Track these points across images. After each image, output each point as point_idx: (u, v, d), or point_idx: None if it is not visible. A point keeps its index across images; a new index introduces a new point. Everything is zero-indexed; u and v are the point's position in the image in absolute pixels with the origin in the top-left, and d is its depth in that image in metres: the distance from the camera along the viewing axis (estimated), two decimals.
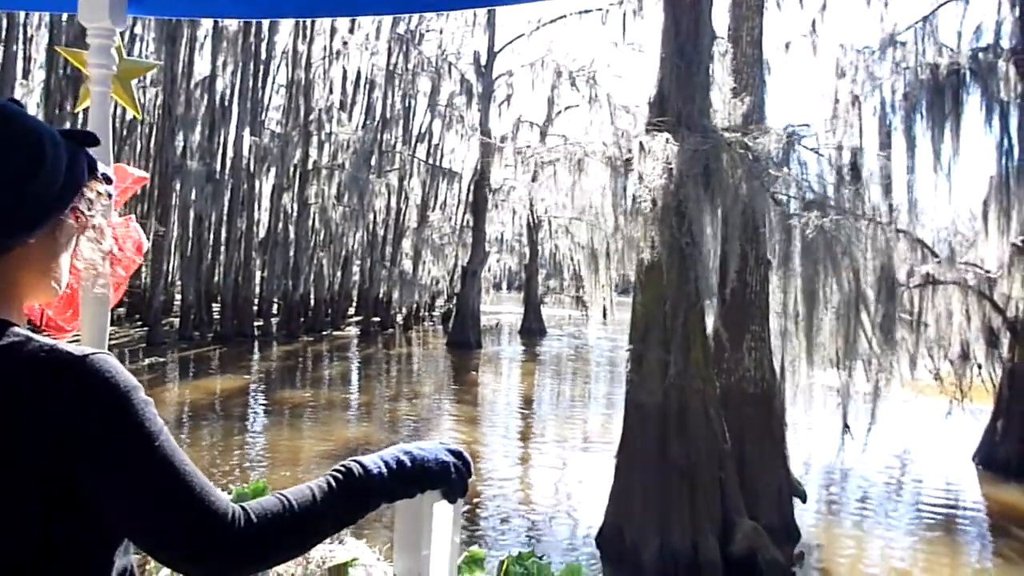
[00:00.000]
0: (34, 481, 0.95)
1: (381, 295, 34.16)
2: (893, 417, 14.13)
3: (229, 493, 1.93)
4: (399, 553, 1.28)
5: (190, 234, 28.43)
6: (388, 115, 33.19)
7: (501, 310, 42.07)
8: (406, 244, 34.04)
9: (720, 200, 8.67)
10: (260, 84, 29.28)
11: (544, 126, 34.97)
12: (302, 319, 30.38)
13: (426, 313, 38.44)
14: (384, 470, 1.15)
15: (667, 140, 8.65)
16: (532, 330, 34.26)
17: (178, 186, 26.80)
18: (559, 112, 34.61)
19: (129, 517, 0.99)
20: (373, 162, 31.67)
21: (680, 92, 8.91)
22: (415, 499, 1.21)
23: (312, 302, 31.71)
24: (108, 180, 1.15)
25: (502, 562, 1.91)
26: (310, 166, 29.74)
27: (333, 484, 1.11)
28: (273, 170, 30.63)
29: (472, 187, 30.58)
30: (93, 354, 0.99)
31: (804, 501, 10.04)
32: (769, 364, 9.85)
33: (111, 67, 1.96)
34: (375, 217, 32.47)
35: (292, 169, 30.01)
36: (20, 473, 0.94)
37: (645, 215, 8.72)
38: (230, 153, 28.18)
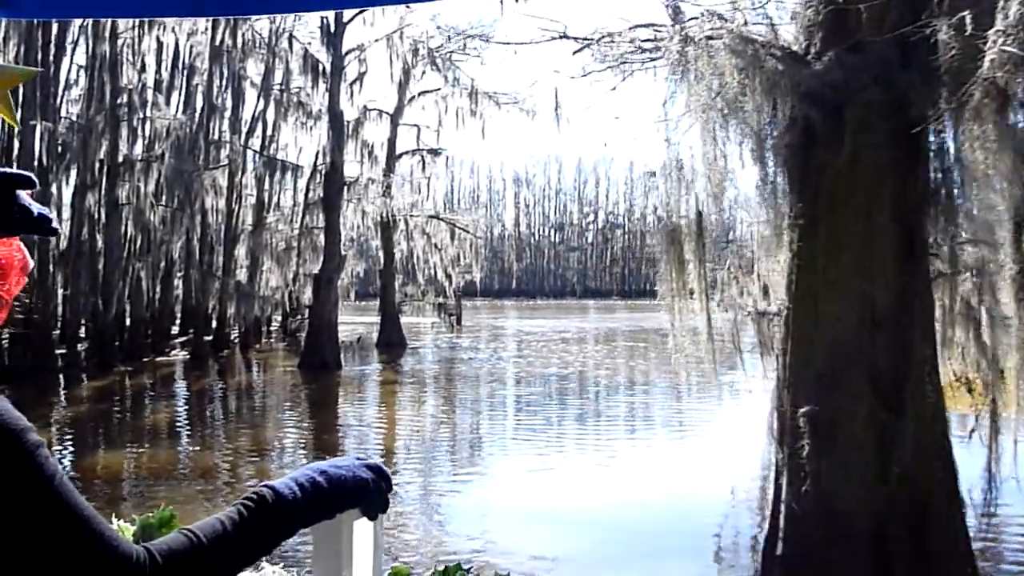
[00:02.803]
0: None
1: (212, 310, 29.82)
2: None
3: (133, 523, 1.78)
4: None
5: None
6: (214, 99, 28.85)
7: (349, 321, 38.37)
8: (241, 250, 29.83)
9: None
10: (52, 59, 24.39)
11: (396, 113, 31.82)
12: (117, 343, 25.65)
13: (265, 328, 34.18)
14: (299, 493, 1.12)
15: None
16: (392, 343, 30.95)
17: None
18: (412, 97, 31.56)
19: (28, 568, 0.93)
20: (198, 156, 27.40)
21: None
22: (333, 519, 1.19)
23: (128, 322, 26.98)
24: None
25: None
26: (120, 159, 25.11)
27: (245, 513, 1.08)
28: (74, 166, 25.83)
29: (323, 181, 26.88)
30: None
31: None
32: None
33: None
34: (203, 219, 28.07)
35: (97, 164, 25.27)
36: None
37: None
38: (14, 146, 23.26)
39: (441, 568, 1.86)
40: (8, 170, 1.12)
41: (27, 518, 0.92)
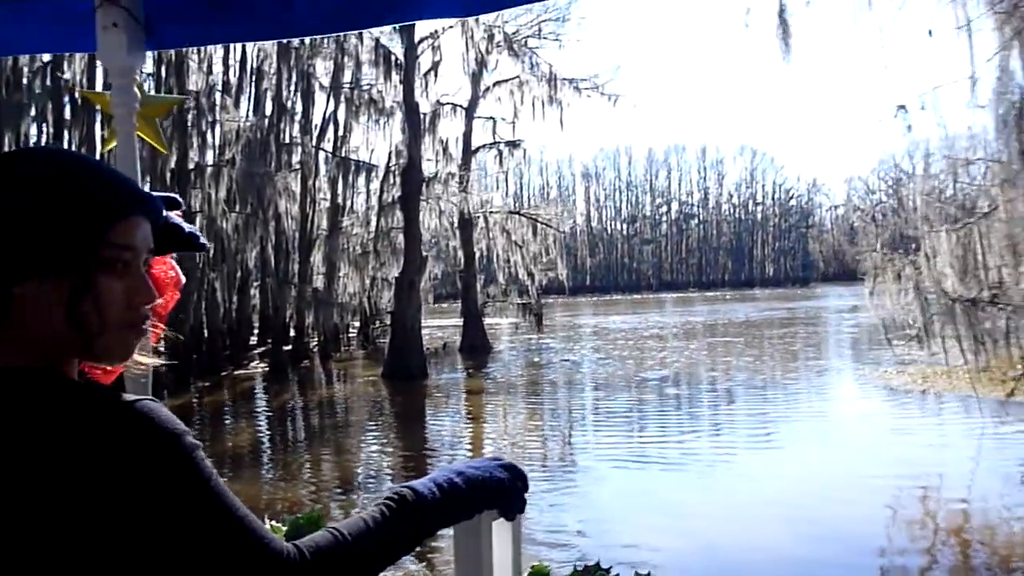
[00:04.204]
0: (81, 536, 0.92)
1: (289, 319, 28.55)
2: None
3: (283, 524, 1.93)
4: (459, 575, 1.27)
5: None
6: (283, 100, 27.49)
7: (428, 325, 36.82)
8: (316, 256, 28.44)
9: None
10: None
11: (470, 106, 30.09)
12: (195, 356, 24.49)
13: (344, 336, 32.80)
14: (437, 493, 1.15)
15: None
16: (475, 347, 29.21)
17: None
18: (487, 88, 29.78)
19: (186, 566, 0.97)
20: (270, 160, 26.07)
21: None
22: (472, 519, 1.20)
23: (205, 335, 25.83)
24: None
25: None
26: (191, 166, 23.91)
27: (387, 512, 1.12)
28: (147, 176, 24.68)
29: (400, 179, 25.24)
30: (139, 400, 0.98)
31: None
32: None
33: (135, 105, 2.13)
34: (277, 225, 26.72)
35: (168, 173, 24.16)
36: (65, 528, 0.91)
37: None
38: (81, 148, 22.22)
39: (581, 568, 1.92)
40: (160, 193, 1.22)
41: (186, 517, 0.96)
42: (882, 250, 12.34)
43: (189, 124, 24.47)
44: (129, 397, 0.99)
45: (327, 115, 29.93)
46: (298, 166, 27.08)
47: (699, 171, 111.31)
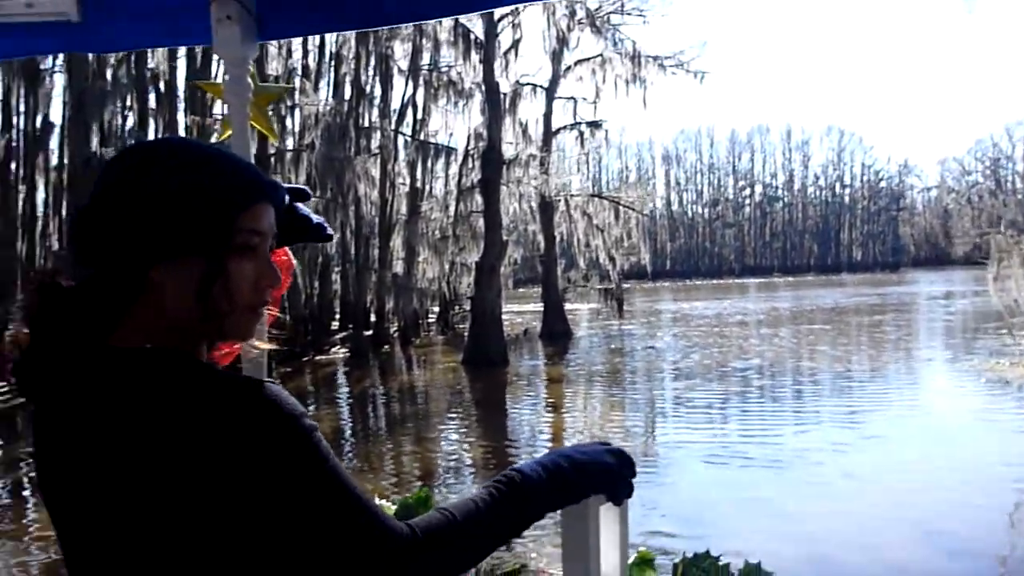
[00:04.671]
0: (206, 512, 0.97)
1: (370, 304, 28.41)
2: None
3: (394, 503, 2.03)
4: (567, 558, 1.28)
5: None
6: (362, 83, 27.22)
7: (508, 310, 36.30)
8: (396, 241, 28.16)
9: None
10: (200, 51, 23.38)
11: (551, 86, 29.32)
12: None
13: (423, 321, 32.55)
14: (545, 477, 1.15)
15: None
16: (556, 333, 28.56)
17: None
18: (568, 68, 28.95)
19: (309, 548, 1.01)
20: (349, 145, 25.84)
21: None
22: (580, 504, 1.22)
23: (288, 320, 25.85)
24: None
25: (676, 564, 1.95)
26: (270, 149, 23.83)
27: (496, 494, 1.12)
28: None
29: (480, 161, 24.70)
30: (264, 382, 1.02)
31: None
32: None
33: (248, 95, 2.22)
34: (357, 210, 26.50)
35: (252, 157, 24.17)
36: (191, 504, 0.97)
37: None
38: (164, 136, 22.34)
39: (690, 555, 1.98)
40: (289, 185, 1.24)
41: (305, 494, 0.99)
42: (1006, 232, 11.22)
43: (269, 109, 24.38)
44: (254, 379, 1.03)
45: (406, 98, 29.62)
46: (377, 150, 26.80)
47: (784, 152, 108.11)
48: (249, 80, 2.30)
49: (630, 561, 1.79)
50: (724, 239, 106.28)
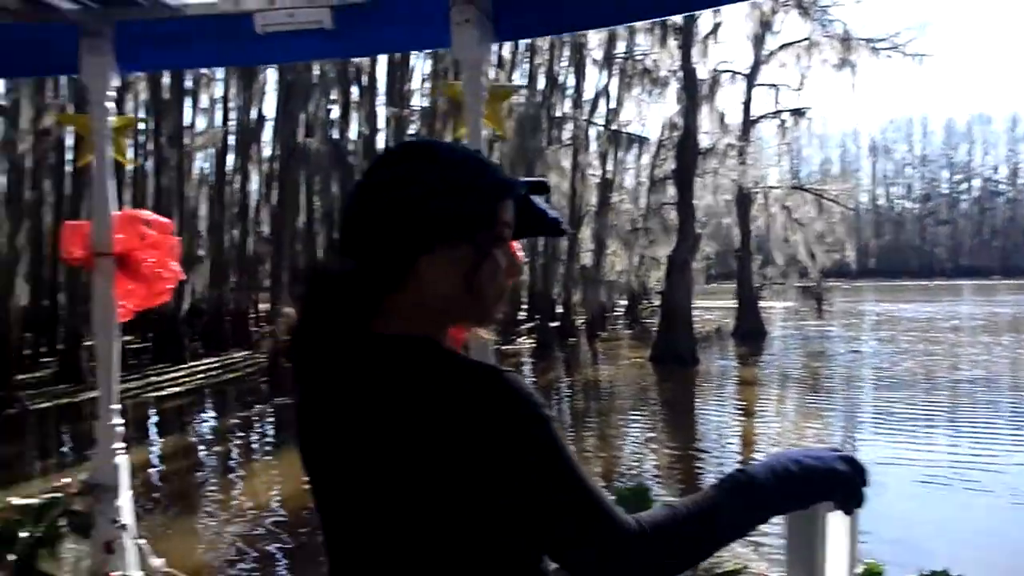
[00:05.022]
0: (448, 492, 1.06)
1: (557, 296, 28.68)
2: None
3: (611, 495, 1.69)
4: (791, 564, 1.27)
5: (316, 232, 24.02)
6: (555, 73, 27.46)
7: (700, 306, 35.47)
8: (585, 232, 28.25)
9: None
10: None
11: (751, 72, 28.33)
12: None
13: (610, 315, 32.45)
14: (774, 480, 1.15)
15: None
16: (750, 332, 27.64)
17: (302, 174, 22.48)
18: (771, 53, 27.84)
19: (540, 531, 1.07)
20: (541, 135, 26.15)
21: None
22: (807, 510, 1.21)
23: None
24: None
25: None
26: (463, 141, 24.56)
27: (723, 495, 1.13)
28: None
29: (675, 151, 24.29)
30: (504, 370, 1.09)
31: None
32: None
33: (483, 94, 2.44)
34: (547, 201, 26.70)
35: None
36: (434, 484, 1.06)
37: None
38: (363, 128, 23.53)
39: (927, 572, 1.91)
40: (527, 178, 1.32)
41: (539, 480, 1.06)
42: None
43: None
44: (496, 367, 1.11)
45: (599, 88, 29.58)
46: (569, 141, 26.97)
47: (1008, 143, 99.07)
48: (484, 80, 2.44)
49: (857, 572, 1.72)
50: (936, 237, 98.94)
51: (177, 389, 18.60)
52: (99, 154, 2.57)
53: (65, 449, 14.00)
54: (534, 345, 25.91)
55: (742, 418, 15.52)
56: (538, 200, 1.32)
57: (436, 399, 1.08)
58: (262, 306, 29.55)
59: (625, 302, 32.84)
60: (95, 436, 2.75)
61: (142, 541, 2.60)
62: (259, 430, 15.74)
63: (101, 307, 2.62)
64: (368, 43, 2.98)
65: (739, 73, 27.89)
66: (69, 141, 22.34)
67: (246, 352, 25.36)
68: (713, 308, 34.76)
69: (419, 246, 1.14)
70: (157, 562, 2.62)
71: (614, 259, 28.08)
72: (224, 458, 13.21)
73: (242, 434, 15.14)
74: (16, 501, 2.48)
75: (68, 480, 2.57)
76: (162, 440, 14.16)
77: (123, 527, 2.55)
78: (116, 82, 2.62)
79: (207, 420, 16.43)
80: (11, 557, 2.48)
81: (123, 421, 2.72)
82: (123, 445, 2.65)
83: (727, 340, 27.69)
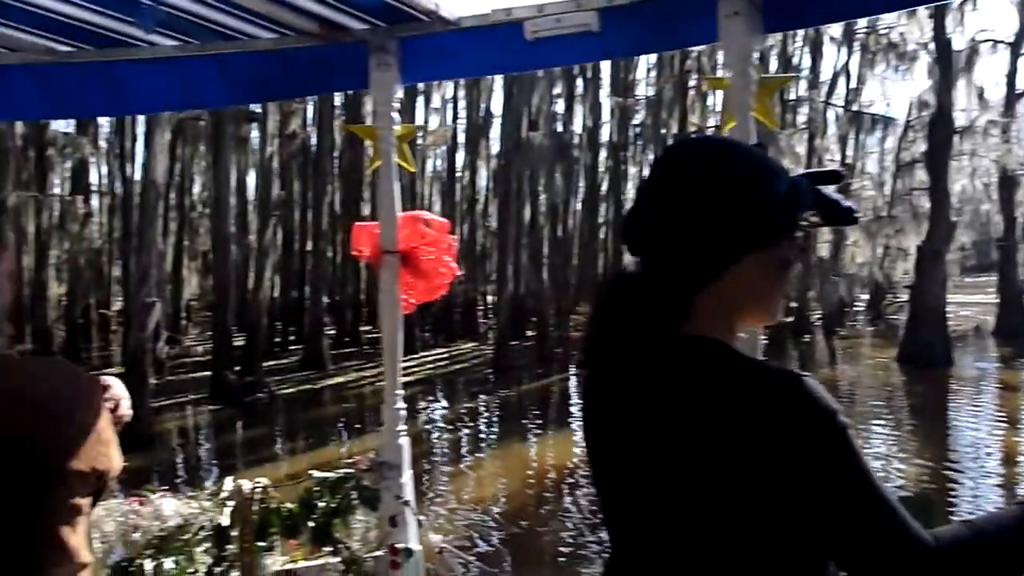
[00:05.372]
0: (743, 495, 1.09)
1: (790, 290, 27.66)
2: None
3: None
4: None
5: (542, 227, 24.54)
6: (788, 54, 26.45)
7: (954, 301, 32.83)
8: None
9: None
10: None
11: (1017, 40, 25.86)
12: None
13: (850, 311, 30.86)
14: None
15: None
16: (1015, 331, 25.27)
17: (526, 168, 23.07)
18: None
19: (834, 539, 1.09)
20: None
21: None
22: None
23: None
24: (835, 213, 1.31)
25: None
26: (689, 126, 24.23)
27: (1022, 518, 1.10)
28: (638, 142, 25.80)
29: (926, 132, 22.69)
30: (805, 376, 1.11)
31: None
32: None
33: (751, 87, 2.41)
34: None
35: (670, 138, 24.84)
36: (730, 486, 1.09)
37: None
38: (586, 121, 23.82)
39: None
40: (821, 169, 1.33)
41: (837, 489, 1.07)
42: None
43: (687, 85, 24.85)
44: (796, 372, 1.12)
45: (838, 67, 28.17)
46: (804, 125, 25.91)
47: None
48: (752, 72, 2.42)
49: None
50: None
51: (408, 379, 19.79)
52: (385, 160, 2.85)
53: (304, 433, 15.23)
54: (766, 342, 25.10)
55: (1004, 429, 14.22)
56: (827, 190, 1.32)
57: (740, 403, 1.10)
58: (489, 298, 30.82)
59: (866, 296, 31.07)
60: (381, 418, 3.05)
61: (422, 517, 2.88)
62: (485, 421, 16.47)
63: (387, 300, 2.92)
64: (635, 43, 3.00)
65: (1001, 42, 25.61)
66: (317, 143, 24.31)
67: (473, 343, 26.56)
68: (969, 304, 32.07)
69: (735, 251, 1.18)
70: (436, 538, 2.90)
71: (855, 250, 26.65)
72: (453, 447, 13.96)
73: (471, 423, 15.90)
74: (316, 474, 2.83)
75: (358, 457, 2.89)
76: None
77: (406, 503, 2.85)
78: (400, 94, 2.91)
79: (436, 409, 17.37)
80: (310, 524, 2.84)
81: (406, 405, 3.01)
82: (405, 427, 2.94)
83: (986, 340, 25.54)
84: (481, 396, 18.51)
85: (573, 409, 17.02)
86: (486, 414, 17.09)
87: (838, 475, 1.07)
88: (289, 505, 2.79)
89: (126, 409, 1.61)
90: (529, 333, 26.02)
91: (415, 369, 21.18)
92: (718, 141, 1.32)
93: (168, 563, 2.64)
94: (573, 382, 20.53)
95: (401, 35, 2.85)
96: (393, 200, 2.89)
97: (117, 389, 1.60)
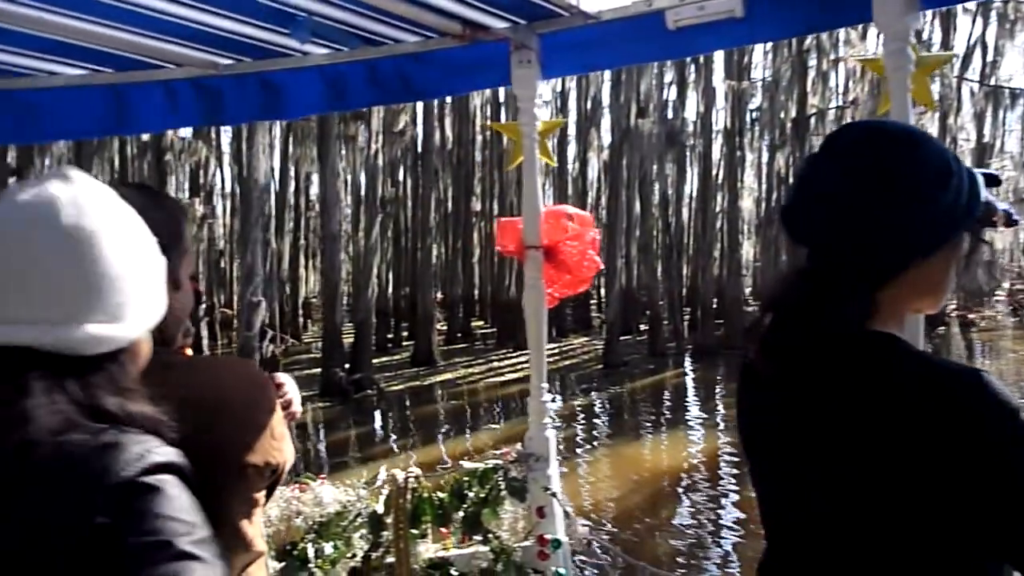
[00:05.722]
0: (920, 494, 1.10)
1: None
2: None
3: None
4: None
5: (653, 218, 24.29)
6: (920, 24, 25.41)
7: None
8: None
9: None
10: None
11: None
12: None
13: (988, 299, 29.45)
14: None
15: None
16: None
17: (636, 156, 22.91)
18: None
19: (1013, 543, 1.09)
20: None
21: None
22: None
23: None
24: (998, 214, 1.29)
25: None
26: (809, 109, 23.61)
27: None
28: (756, 126, 25.20)
29: None
30: (983, 373, 1.11)
31: None
32: None
33: (909, 67, 2.35)
34: None
35: (789, 122, 24.27)
36: (909, 485, 1.10)
37: None
38: (699, 107, 23.48)
39: None
40: (982, 170, 1.30)
41: (1020, 495, 1.07)
42: None
43: (807, 66, 24.18)
44: (976, 370, 1.12)
45: (973, 39, 26.94)
46: (936, 102, 24.88)
47: None
48: (910, 51, 2.37)
49: None
50: None
51: (516, 375, 19.93)
52: (528, 156, 2.95)
53: (412, 430, 15.53)
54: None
55: None
56: (988, 193, 1.29)
57: (925, 401, 1.10)
58: (603, 291, 30.79)
59: (1006, 286, 29.60)
60: (528, 413, 3.15)
61: (569, 508, 2.99)
62: (596, 418, 16.47)
63: (532, 294, 3.03)
64: (781, 26, 2.99)
65: None
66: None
67: (586, 338, 26.59)
68: None
69: (929, 250, 1.19)
70: (583, 530, 3.00)
71: (993, 235, 25.40)
72: (564, 445, 14.03)
73: (583, 421, 15.94)
74: (467, 464, 2.96)
75: (506, 448, 3.01)
76: (504, 424, 15.27)
77: (553, 494, 2.95)
78: (541, 90, 3.01)
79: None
80: (460, 513, 2.98)
81: (552, 397, 3.12)
82: (551, 419, 3.05)
83: None
84: (592, 393, 18.53)
85: (689, 406, 16.88)
86: (597, 411, 17.10)
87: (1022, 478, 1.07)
88: (440, 494, 2.93)
89: (297, 406, 1.71)
90: (642, 327, 25.87)
91: (524, 365, 21.37)
92: (905, 131, 1.26)
93: (327, 547, 2.82)
94: (689, 378, 20.33)
95: (541, 31, 2.94)
96: (537, 195, 2.98)
97: (289, 386, 1.70)
